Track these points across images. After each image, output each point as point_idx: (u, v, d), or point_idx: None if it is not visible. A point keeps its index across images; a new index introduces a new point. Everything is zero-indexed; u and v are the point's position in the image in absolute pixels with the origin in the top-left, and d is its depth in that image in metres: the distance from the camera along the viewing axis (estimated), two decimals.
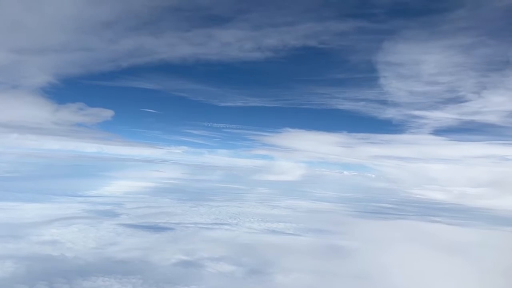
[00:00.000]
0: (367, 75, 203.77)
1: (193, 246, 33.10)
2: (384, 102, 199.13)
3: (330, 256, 30.30)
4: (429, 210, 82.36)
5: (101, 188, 77.20)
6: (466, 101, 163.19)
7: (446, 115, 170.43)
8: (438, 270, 24.31)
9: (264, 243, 35.49)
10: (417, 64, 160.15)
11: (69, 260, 25.89)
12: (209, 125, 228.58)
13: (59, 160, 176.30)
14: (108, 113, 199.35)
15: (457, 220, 66.89)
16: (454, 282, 22.48)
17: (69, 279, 21.34)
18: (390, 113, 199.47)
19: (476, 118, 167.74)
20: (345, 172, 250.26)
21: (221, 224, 47.61)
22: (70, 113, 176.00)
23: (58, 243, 31.45)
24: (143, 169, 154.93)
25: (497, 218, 71.47)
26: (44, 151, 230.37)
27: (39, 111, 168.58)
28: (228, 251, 32.18)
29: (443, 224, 53.92)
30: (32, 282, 20.71)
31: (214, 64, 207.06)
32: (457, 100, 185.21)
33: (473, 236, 44.11)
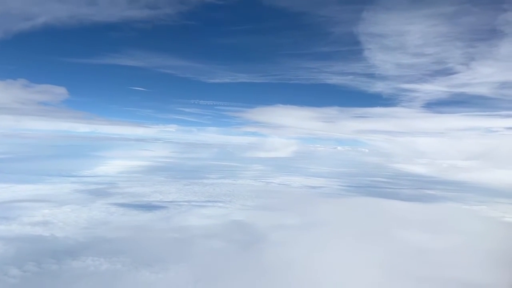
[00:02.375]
0: (352, 48, 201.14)
1: (186, 223, 33.28)
2: (372, 76, 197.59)
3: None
4: (421, 183, 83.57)
5: (94, 168, 76.90)
6: (454, 73, 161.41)
7: (436, 88, 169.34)
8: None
9: (257, 219, 35.70)
10: (401, 35, 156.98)
11: (60, 240, 25.86)
12: (198, 102, 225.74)
13: (47, 141, 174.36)
14: (61, 90, 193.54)
15: (448, 193, 68.02)
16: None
17: (59, 259, 21.33)
18: (379, 87, 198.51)
19: (466, 90, 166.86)
20: (339, 147, 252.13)
21: (214, 201, 47.83)
22: (22, 91, 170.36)
23: (49, 223, 31.37)
24: (135, 148, 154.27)
25: (487, 190, 72.65)
26: (29, 131, 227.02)
27: None
28: (221, 228, 32.42)
29: (419, 203, 53.34)
30: (21, 263, 20.68)
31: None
32: (446, 72, 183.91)
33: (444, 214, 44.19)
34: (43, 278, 18.79)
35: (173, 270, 20.89)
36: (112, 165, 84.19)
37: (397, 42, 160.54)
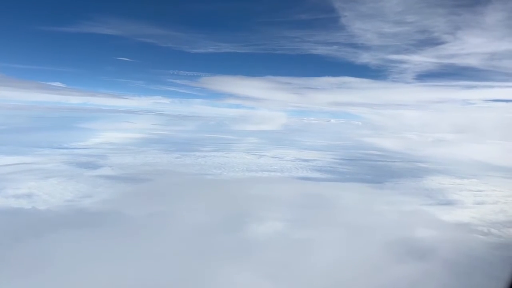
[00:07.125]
0: (330, 16, 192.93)
1: (172, 197, 33.09)
2: (356, 46, 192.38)
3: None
4: (412, 157, 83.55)
5: (84, 140, 75.82)
6: (442, 43, 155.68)
7: (424, 59, 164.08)
8: None
9: (244, 192, 35.63)
10: (378, 1, 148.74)
11: (41, 213, 25.64)
12: (178, 73, 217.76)
13: (37, 112, 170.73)
14: None
15: (439, 166, 68.09)
16: None
17: (37, 232, 21.09)
18: (365, 58, 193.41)
19: (455, 61, 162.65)
20: (332, 120, 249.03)
21: (204, 174, 47.66)
22: None
23: (34, 196, 31.10)
24: (124, 120, 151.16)
25: (477, 164, 72.54)
26: (20, 103, 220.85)
27: None
28: (207, 201, 32.24)
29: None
30: None
31: None
32: (433, 42, 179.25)
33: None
34: (18, 251, 18.61)
35: (154, 243, 20.78)
36: (103, 137, 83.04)
37: (375, 9, 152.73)
